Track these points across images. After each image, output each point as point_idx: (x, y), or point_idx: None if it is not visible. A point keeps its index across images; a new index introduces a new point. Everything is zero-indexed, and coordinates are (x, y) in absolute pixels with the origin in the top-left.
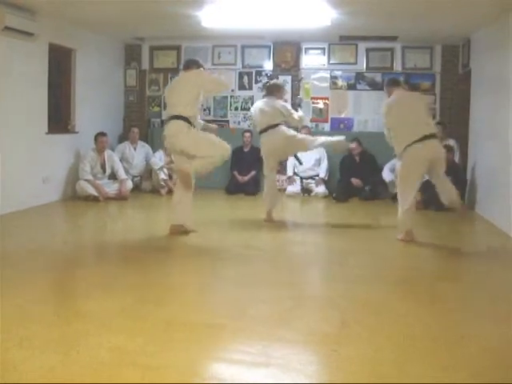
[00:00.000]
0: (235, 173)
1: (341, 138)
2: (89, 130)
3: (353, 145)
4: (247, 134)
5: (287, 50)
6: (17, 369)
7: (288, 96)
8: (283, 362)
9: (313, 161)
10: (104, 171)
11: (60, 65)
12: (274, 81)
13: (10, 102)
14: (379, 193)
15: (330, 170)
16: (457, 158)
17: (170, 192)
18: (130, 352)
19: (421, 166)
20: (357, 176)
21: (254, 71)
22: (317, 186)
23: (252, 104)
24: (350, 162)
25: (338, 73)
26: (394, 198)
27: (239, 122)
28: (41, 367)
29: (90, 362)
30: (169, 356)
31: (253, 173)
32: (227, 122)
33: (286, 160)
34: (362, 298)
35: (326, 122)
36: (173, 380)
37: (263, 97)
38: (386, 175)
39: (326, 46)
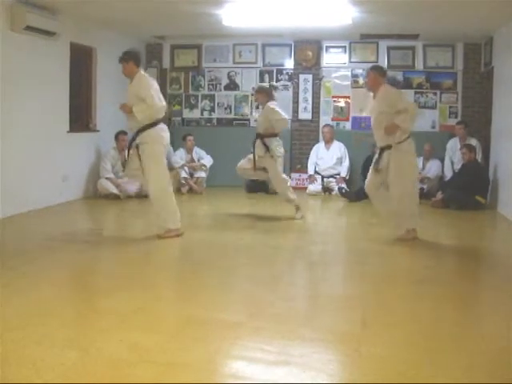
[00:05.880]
0: None
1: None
2: (110, 129)
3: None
4: None
5: (308, 49)
6: (36, 366)
7: (309, 95)
8: (303, 361)
9: (334, 159)
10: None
11: (81, 64)
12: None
13: (31, 101)
14: None
15: (351, 169)
16: (479, 158)
17: (190, 190)
18: (149, 349)
19: None
20: None
21: (274, 69)
22: (338, 184)
23: None
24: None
25: (359, 71)
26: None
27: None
28: (62, 364)
29: (110, 359)
30: (188, 354)
31: None
32: (248, 120)
33: None
34: (381, 297)
35: (347, 120)
36: (192, 378)
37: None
38: None
39: (346, 44)
